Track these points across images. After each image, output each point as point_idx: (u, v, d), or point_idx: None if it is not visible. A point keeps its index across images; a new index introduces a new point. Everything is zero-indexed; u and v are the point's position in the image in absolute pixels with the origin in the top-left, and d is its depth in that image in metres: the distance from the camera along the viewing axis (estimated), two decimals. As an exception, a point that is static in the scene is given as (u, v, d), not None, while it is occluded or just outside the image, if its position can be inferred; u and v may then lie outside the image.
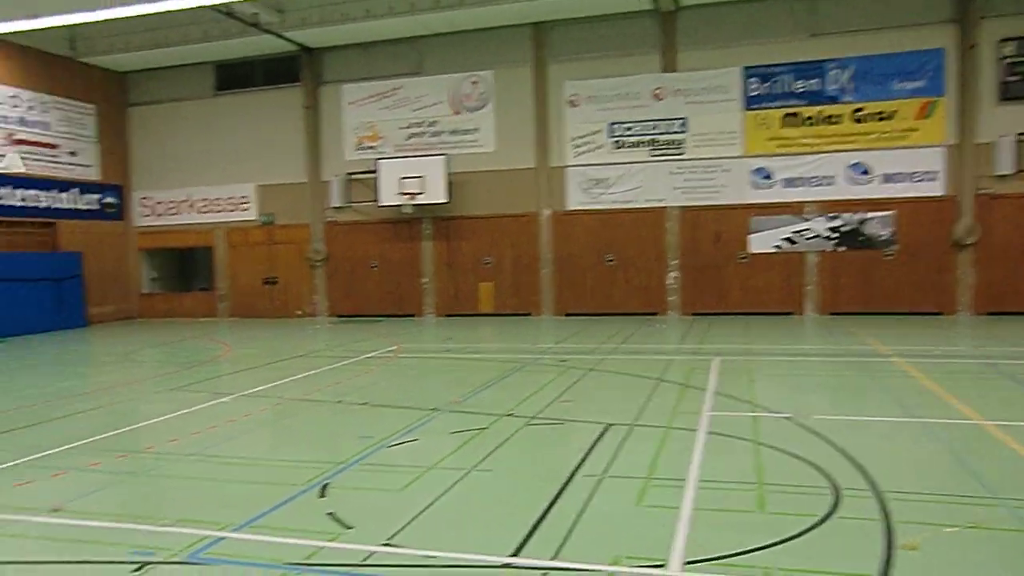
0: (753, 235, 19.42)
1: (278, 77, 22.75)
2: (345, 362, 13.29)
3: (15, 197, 20.55)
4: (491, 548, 4.79)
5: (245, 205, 23.36)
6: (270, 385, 11.11)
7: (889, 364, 11.58)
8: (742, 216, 19.45)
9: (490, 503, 5.74)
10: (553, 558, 4.62)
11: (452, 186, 20.85)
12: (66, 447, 7.73)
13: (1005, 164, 17.68)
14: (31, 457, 7.37)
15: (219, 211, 23.63)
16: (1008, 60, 17.75)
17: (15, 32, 19.41)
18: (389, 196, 21.01)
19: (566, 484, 6.02)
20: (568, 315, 20.70)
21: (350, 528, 5.20)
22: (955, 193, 18.17)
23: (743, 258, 19.54)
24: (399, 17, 19.61)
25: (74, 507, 5.81)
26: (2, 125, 20.32)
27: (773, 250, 19.32)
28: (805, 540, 4.81)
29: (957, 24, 17.97)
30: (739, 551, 4.62)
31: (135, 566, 4.64)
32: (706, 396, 9.41)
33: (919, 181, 18.37)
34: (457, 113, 21.30)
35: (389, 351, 14.64)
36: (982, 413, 8.17)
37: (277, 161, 22.88)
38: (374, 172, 21.31)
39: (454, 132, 21.32)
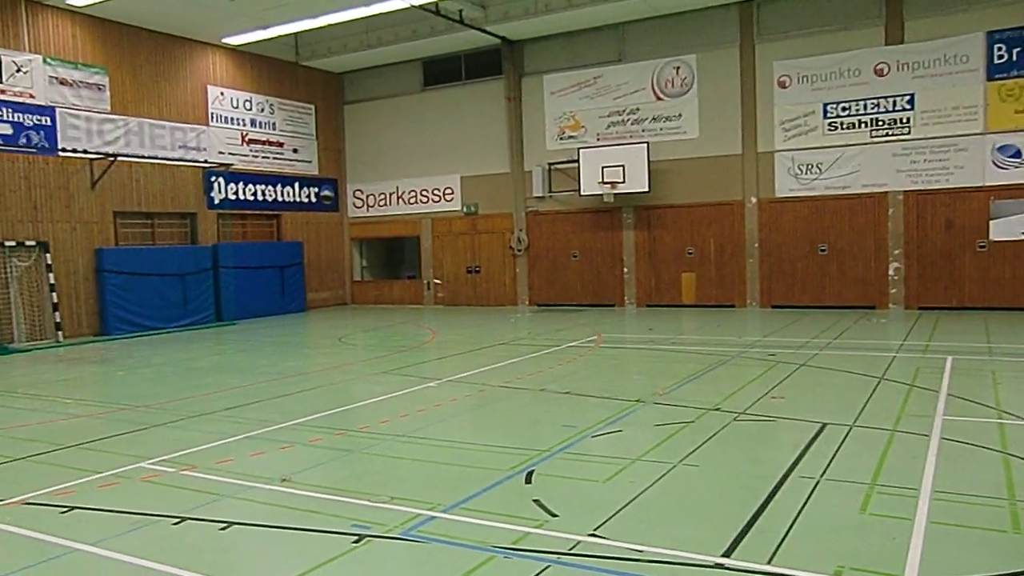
0: (994, 221, 17.35)
1: (481, 70, 23.42)
2: (546, 351, 13.42)
3: (248, 192, 22.72)
4: (701, 546, 4.57)
5: (450, 195, 24.31)
6: (474, 372, 11.44)
7: None
8: (981, 200, 17.44)
9: (698, 499, 5.50)
10: (769, 562, 4.32)
11: (653, 174, 20.44)
12: (291, 423, 8.37)
13: None
14: (262, 431, 8.06)
15: (425, 202, 24.76)
16: None
17: (249, 43, 21.43)
18: (590, 185, 20.99)
19: (780, 484, 5.65)
20: (775, 307, 19.65)
21: (555, 516, 5.17)
22: None
23: (982, 247, 17.54)
24: (601, 5, 19.46)
25: (300, 479, 6.26)
26: (238, 127, 22.51)
27: (1020, 237, 17.15)
28: (1073, 567, 4.17)
29: None
30: (990, 574, 4.08)
31: (355, 538, 4.89)
32: (938, 398, 8.51)
33: None
34: (659, 99, 20.85)
35: (590, 341, 14.62)
36: None
37: (480, 152, 23.59)
38: (575, 161, 21.37)
39: (655, 119, 20.88)
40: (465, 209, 24.07)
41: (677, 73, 20.52)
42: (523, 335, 16.11)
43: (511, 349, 13.81)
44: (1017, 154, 16.99)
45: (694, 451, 6.69)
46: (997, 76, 17.08)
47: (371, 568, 4.50)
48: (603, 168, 20.70)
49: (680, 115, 20.58)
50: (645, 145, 20.44)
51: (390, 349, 14.92)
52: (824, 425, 7.35)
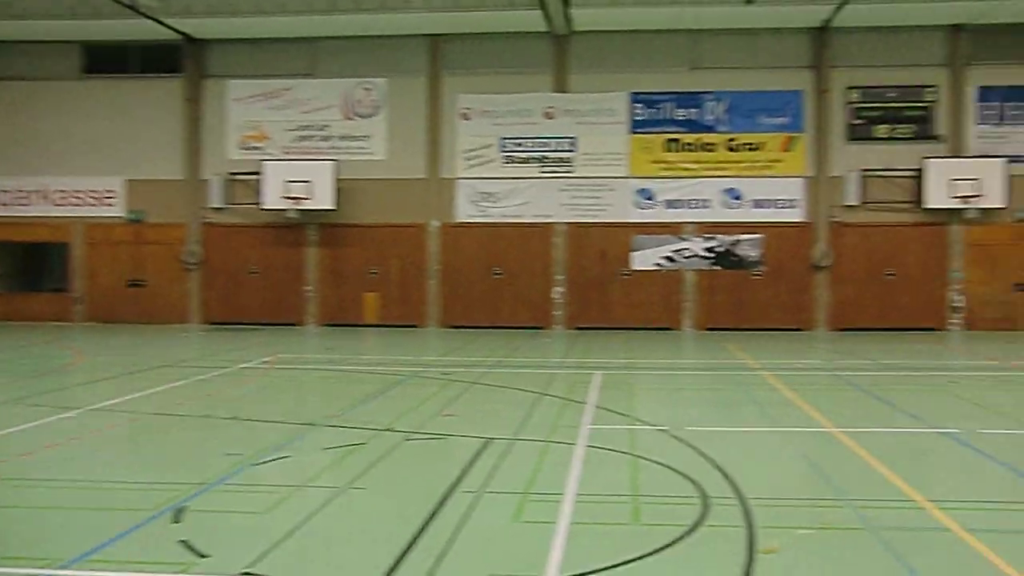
0: (636, 252, 19.96)
1: (156, 65, 21.55)
2: (215, 373, 12.65)
3: None
4: (361, 571, 4.59)
5: (110, 200, 21.84)
6: (126, 398, 10.34)
7: (757, 377, 12.11)
8: (626, 234, 19.97)
9: (363, 523, 5.53)
10: (426, 579, 4.47)
11: (340, 193, 20.38)
12: None
13: (852, 196, 19.31)
14: None
15: (79, 204, 21.92)
16: (854, 105, 19.50)
17: None
18: (274, 199, 20.32)
19: (443, 501, 5.88)
20: (454, 327, 20.59)
21: (205, 557, 4.81)
22: (812, 220, 19.56)
23: (626, 274, 20.03)
24: (292, 16, 19.05)
25: None
26: None
27: (654, 267, 19.92)
28: (675, 549, 4.88)
29: (814, 70, 19.54)
30: (612, 564, 4.62)
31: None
32: (586, 410, 9.50)
33: (783, 208, 19.62)
34: (348, 119, 20.90)
35: (265, 361, 14.08)
36: (834, 421, 8.70)
37: (150, 155, 21.60)
38: (258, 174, 20.55)
39: (344, 138, 20.88)
40: (130, 216, 21.85)
41: (367, 94, 20.75)
42: (191, 356, 15.05)
43: (175, 372, 12.79)
44: (651, 197, 19.82)
45: (362, 474, 6.72)
46: (637, 130, 19.85)
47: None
48: (288, 182, 20.18)
49: (369, 136, 20.82)
50: (333, 163, 20.33)
51: (18, 375, 12.99)
52: (489, 441, 7.81)
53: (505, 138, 20.29)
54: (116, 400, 10.19)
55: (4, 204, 22.08)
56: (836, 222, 19.47)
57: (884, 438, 8.05)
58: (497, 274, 20.48)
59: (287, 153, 20.99)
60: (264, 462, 7.12)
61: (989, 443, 7.72)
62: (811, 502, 5.91)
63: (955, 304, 19.41)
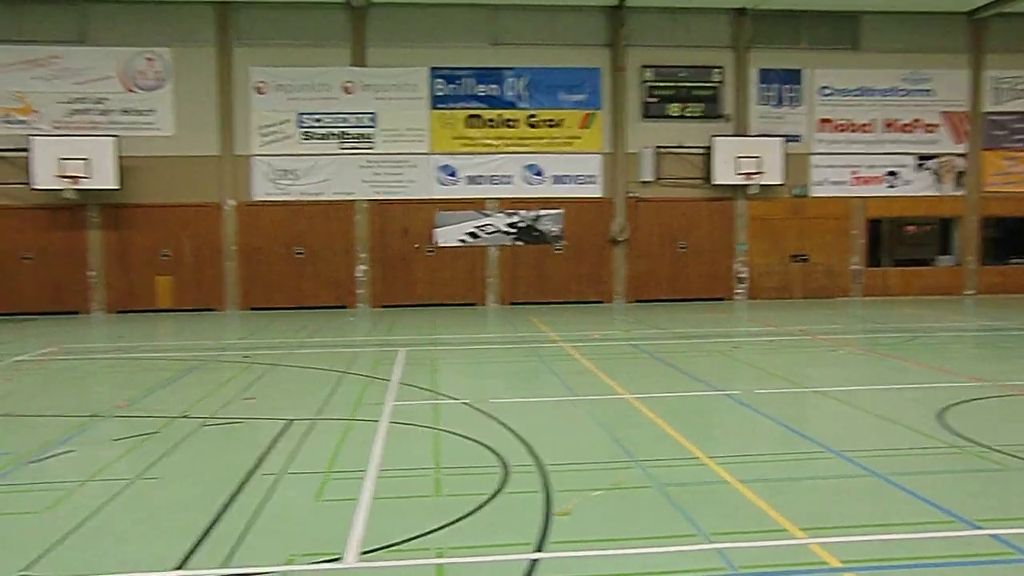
0: (439, 229, 20.20)
1: None
2: (-17, 369, 11.49)
3: None
4: (153, 562, 4.47)
5: None
6: None
7: (557, 348, 12.76)
8: (429, 211, 20.14)
9: (156, 513, 5.34)
10: (223, 565, 4.43)
11: (124, 171, 18.93)
12: None
13: (647, 172, 20.46)
14: None
15: None
16: (648, 83, 20.51)
17: None
18: (46, 179, 18.52)
19: (241, 486, 5.80)
20: (255, 309, 19.88)
21: (-24, 561, 4.52)
22: (611, 195, 20.54)
23: (430, 252, 20.24)
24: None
25: None
26: None
27: (458, 244, 20.27)
28: (475, 518, 5.13)
29: (610, 48, 20.30)
30: (414, 536, 4.80)
31: None
32: (390, 387, 9.61)
33: (582, 183, 20.48)
34: (130, 91, 19.39)
35: (43, 353, 12.94)
36: (628, 388, 9.33)
37: None
38: (25, 150, 18.61)
39: (126, 112, 19.38)
40: None
41: (150, 65, 19.37)
42: (-47, 352, 13.53)
43: (-66, 370, 11.49)
44: (453, 173, 20.08)
45: (154, 463, 6.46)
46: (439, 105, 19.96)
47: None
48: (62, 160, 18.47)
49: (154, 110, 19.47)
50: (114, 138, 18.83)
51: None
52: (290, 422, 7.75)
53: (303, 113, 19.72)
54: None
55: None
56: (632, 197, 20.57)
57: (672, 401, 8.72)
58: (299, 253, 19.98)
59: (59, 128, 19.17)
60: (42, 459, 6.65)
61: (763, 401, 8.59)
62: (604, 465, 6.30)
63: (740, 275, 21.23)
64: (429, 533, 4.85)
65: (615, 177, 20.45)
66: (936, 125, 21.16)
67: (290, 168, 19.76)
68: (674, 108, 20.60)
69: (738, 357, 11.94)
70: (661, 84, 20.50)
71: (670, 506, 5.33)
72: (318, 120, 19.74)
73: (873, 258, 22.12)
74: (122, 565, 4.44)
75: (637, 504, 5.42)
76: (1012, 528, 4.84)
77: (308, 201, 19.86)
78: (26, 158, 18.59)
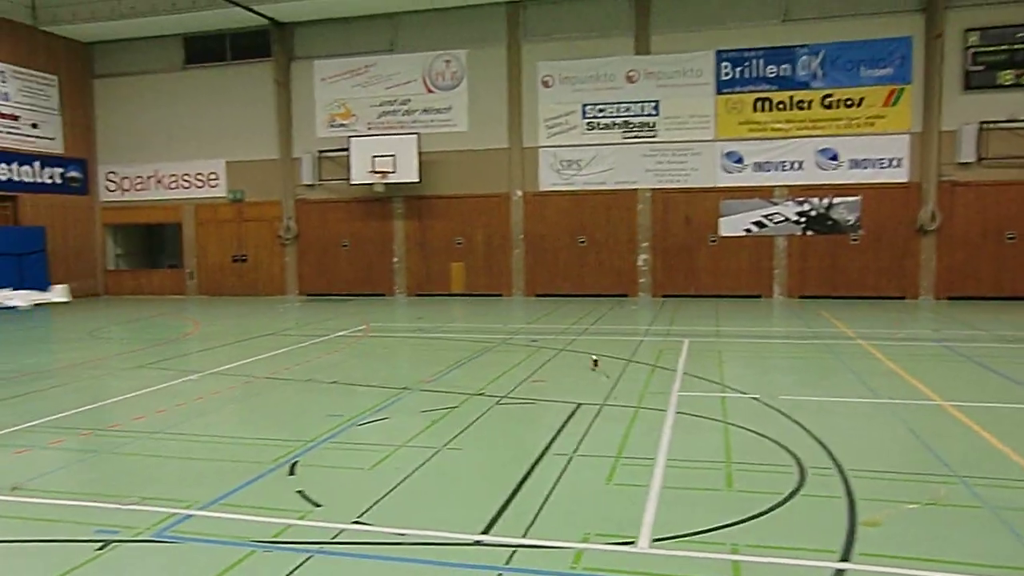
0: (723, 218, 19.57)
1: (249, 51, 22.39)
2: (314, 341, 13.20)
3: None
4: (461, 525, 4.79)
5: (214, 181, 23.04)
6: (239, 363, 11.00)
7: (854, 346, 11.77)
8: (713, 199, 19.58)
9: (461, 481, 5.75)
10: (523, 536, 4.63)
11: (424, 165, 20.71)
12: (29, 424, 7.60)
13: (968, 152, 17.97)
14: (-8, 434, 7.23)
15: (187, 187, 23.29)
16: (973, 50, 17.96)
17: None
18: (360, 174, 20.84)
19: (536, 463, 6.05)
20: (539, 296, 20.74)
21: (319, 506, 5.18)
22: (919, 180, 18.44)
23: (713, 241, 19.69)
24: (371, -7, 19.38)
25: (35, 485, 5.72)
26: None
27: (743, 233, 19.49)
28: (771, 517, 4.89)
29: (924, 13, 18.14)
30: (706, 528, 4.68)
31: (99, 545, 4.59)
32: (675, 377, 9.49)
33: (885, 167, 18.62)
34: (430, 92, 21.13)
35: (359, 330, 14.57)
36: (942, 394, 8.34)
37: (247, 137, 22.55)
38: (346, 150, 21.10)
39: (427, 111, 21.15)
40: (231, 195, 22.90)
41: (448, 67, 20.92)
42: (291, 325, 15.69)
43: (278, 340, 13.41)
44: (740, 160, 19.28)
45: (458, 435, 6.96)
46: (724, 90, 19.26)
47: (115, 575, 4.26)
48: (374, 157, 20.64)
49: (450, 108, 21.01)
50: (416, 136, 20.65)
51: (148, 342, 13.91)
52: (579, 405, 7.94)
53: (587, 104, 20.13)
54: (231, 365, 10.85)
55: (125, 190, 23.72)
56: (947, 181, 18.25)
57: (1003, 413, 7.65)
58: (581, 242, 20.47)
59: (372, 129, 21.42)
60: (365, 423, 7.46)
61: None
62: (919, 476, 5.69)
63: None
64: (723, 527, 4.69)
65: (925, 159, 18.32)
66: None
67: (574, 158, 20.29)
68: (1007, 76, 17.83)
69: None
70: (990, 49, 17.84)
71: (1004, 530, 4.65)
72: (601, 110, 20.04)
73: None
74: (433, 524, 4.82)
75: (963, 524, 4.80)
76: None
77: (591, 190, 20.27)
78: (346, 157, 21.03)
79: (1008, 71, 17.88)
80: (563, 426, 7.16)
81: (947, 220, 18.38)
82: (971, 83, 18.04)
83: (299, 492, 5.44)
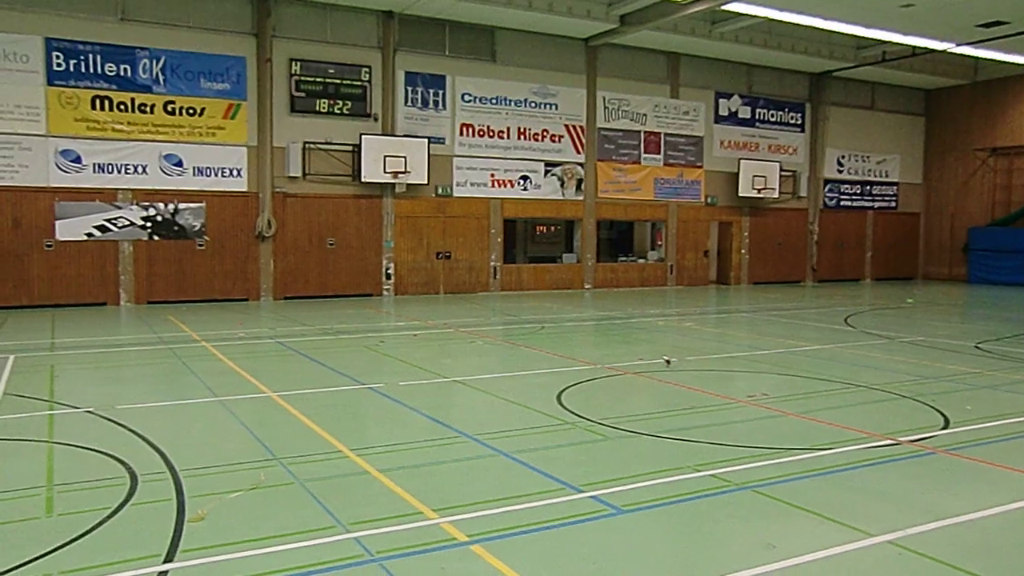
0: (60, 221, 17.86)
1: None
2: None
3: None
4: None
5: None
6: None
7: (199, 348, 12.08)
8: (47, 200, 17.71)
9: None
10: None
11: None
12: None
13: (295, 167, 20.09)
14: None
15: None
16: (296, 77, 20.09)
17: None
18: None
19: None
20: None
21: None
22: (257, 190, 19.84)
23: (49, 246, 17.83)
24: None
25: None
26: None
27: (84, 238, 18.12)
28: (96, 535, 4.73)
29: (256, 37, 19.54)
30: (19, 564, 4.28)
31: None
32: (-7, 400, 8.36)
33: (227, 176, 19.51)
34: None
35: None
36: (271, 386, 9.18)
37: None
38: None
39: None
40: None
41: None
42: None
43: None
44: (78, 159, 17.90)
45: None
46: (57, 82, 17.60)
47: None
48: None
49: None
50: None
51: None
52: None
53: None
54: None
55: None
56: (280, 192, 19.97)
57: (318, 398, 8.69)
58: None
59: None
60: None
61: (406, 393, 8.93)
62: (245, 465, 6.13)
63: (387, 271, 21.75)
64: (40, 558, 4.37)
65: (262, 171, 19.76)
66: (561, 136, 23.74)
67: None
68: (323, 104, 20.43)
69: (384, 351, 12.33)
70: (309, 79, 20.18)
71: (311, 501, 5.38)
72: None
73: (509, 255, 24.25)
74: None
75: (277, 502, 5.39)
76: (607, 488, 5.69)
77: None
78: None
79: (324, 100, 20.51)
80: None
81: (281, 227, 20.20)
82: (296, 107, 20.15)
83: None
